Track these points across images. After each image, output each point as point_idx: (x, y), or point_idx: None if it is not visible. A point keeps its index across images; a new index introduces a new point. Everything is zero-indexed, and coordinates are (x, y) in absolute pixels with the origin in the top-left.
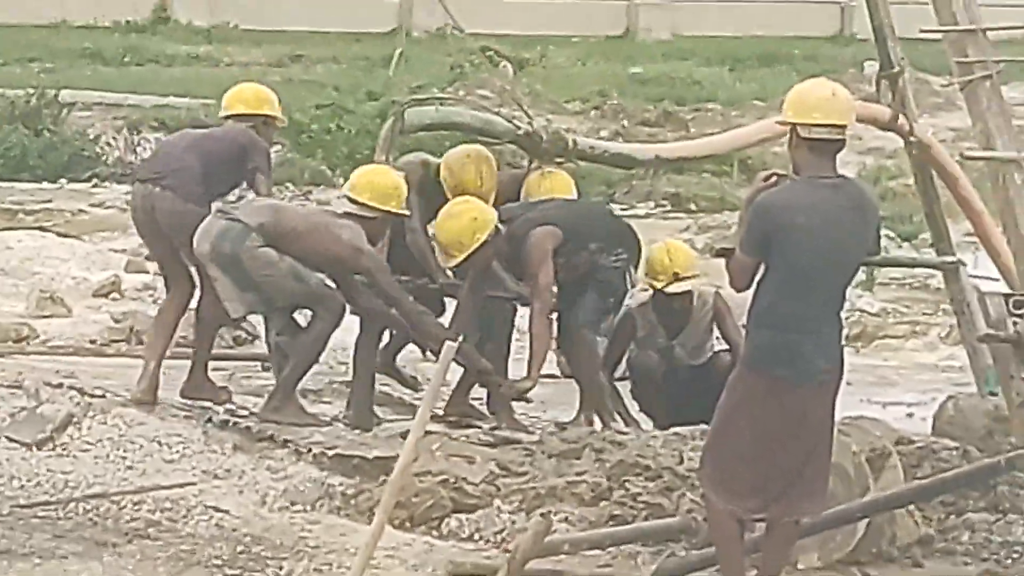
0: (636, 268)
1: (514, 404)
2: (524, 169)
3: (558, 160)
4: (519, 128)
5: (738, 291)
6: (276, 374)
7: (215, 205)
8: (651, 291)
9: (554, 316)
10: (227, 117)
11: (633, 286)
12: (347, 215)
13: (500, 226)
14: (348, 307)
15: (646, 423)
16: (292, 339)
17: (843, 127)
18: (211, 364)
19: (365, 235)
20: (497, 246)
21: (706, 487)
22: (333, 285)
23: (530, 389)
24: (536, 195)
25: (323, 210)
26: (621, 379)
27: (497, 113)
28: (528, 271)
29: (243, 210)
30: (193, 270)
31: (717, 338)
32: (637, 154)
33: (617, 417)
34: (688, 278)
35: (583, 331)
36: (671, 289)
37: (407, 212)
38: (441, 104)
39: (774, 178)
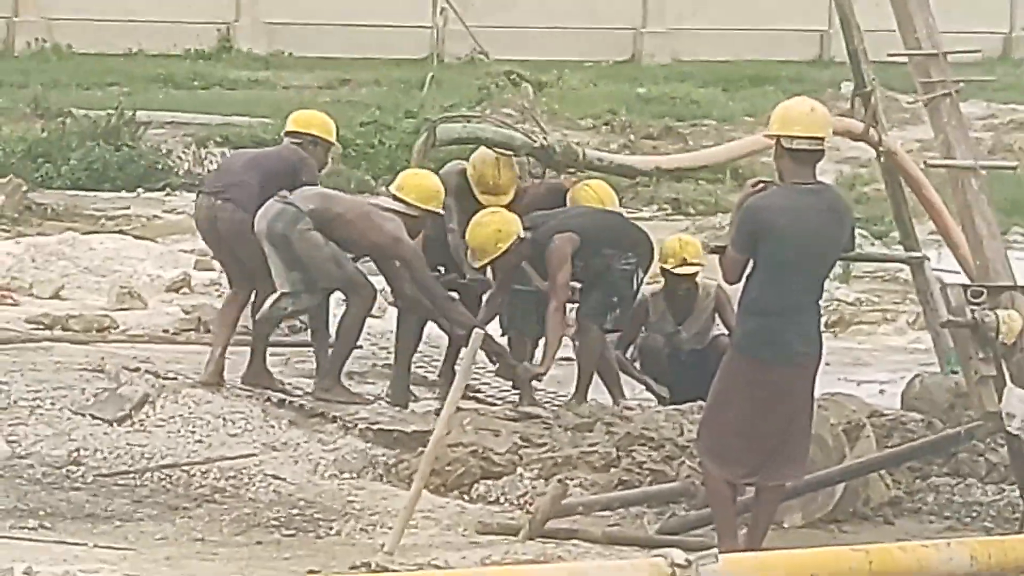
0: (647, 271)
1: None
2: (562, 181)
3: (569, 170)
4: (535, 141)
5: (730, 284)
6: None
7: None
8: (662, 281)
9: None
10: (286, 134)
11: (638, 286)
12: (392, 211)
13: (527, 233)
14: (389, 296)
15: (652, 400)
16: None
17: (821, 139)
18: (269, 350)
19: (409, 231)
20: (522, 252)
21: (702, 456)
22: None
23: (543, 374)
24: (584, 202)
25: (370, 202)
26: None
27: (517, 129)
28: (548, 271)
29: (297, 196)
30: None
31: (717, 325)
32: (639, 165)
33: (633, 388)
34: (695, 264)
35: (586, 322)
36: (678, 270)
37: (443, 212)
38: (467, 121)
39: (761, 184)
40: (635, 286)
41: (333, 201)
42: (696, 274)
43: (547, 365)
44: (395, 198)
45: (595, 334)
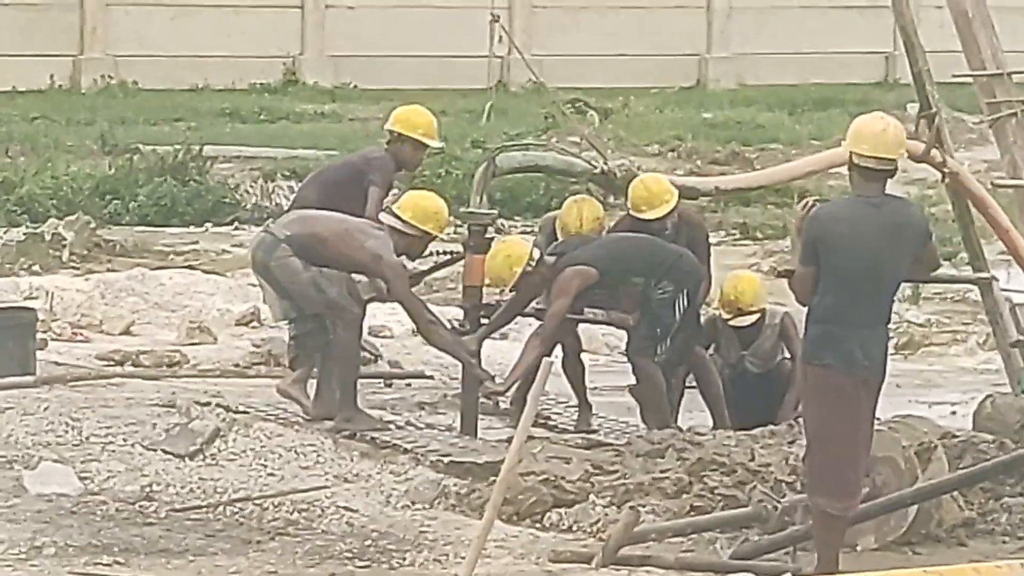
0: (692, 293)
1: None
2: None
3: None
4: (595, 168)
5: (803, 304)
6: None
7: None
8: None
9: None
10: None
11: (684, 312)
12: (391, 229)
13: (551, 259)
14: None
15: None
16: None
17: (889, 159)
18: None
19: (405, 249)
20: (545, 276)
21: (809, 492)
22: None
23: (501, 393)
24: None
25: (362, 221)
26: (690, 387)
27: (577, 156)
28: (549, 299)
29: (278, 224)
30: None
31: (782, 351)
32: (699, 185)
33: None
34: (750, 314)
35: (636, 359)
36: (732, 322)
37: (439, 233)
38: (527, 149)
39: (812, 204)
40: (678, 313)
41: (311, 223)
42: (753, 324)
43: (506, 386)
44: (393, 215)
45: (648, 369)
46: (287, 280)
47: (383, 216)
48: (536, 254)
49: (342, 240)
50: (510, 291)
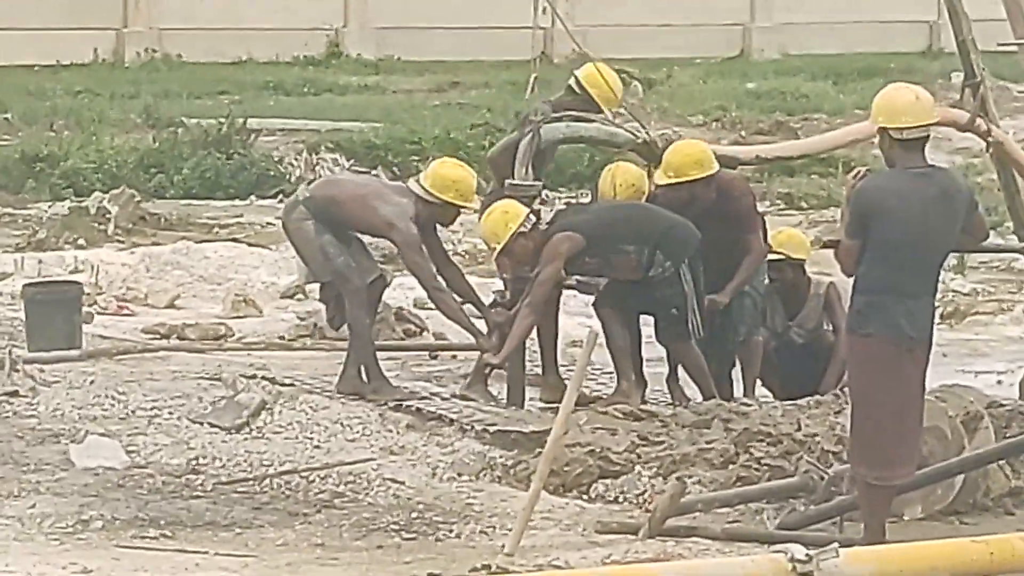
0: (693, 263)
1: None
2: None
3: None
4: (638, 138)
5: (848, 275)
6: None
7: None
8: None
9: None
10: None
11: (691, 281)
12: (417, 197)
13: (545, 225)
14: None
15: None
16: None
17: (929, 126)
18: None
19: (431, 217)
20: (536, 242)
21: (852, 462)
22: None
23: (496, 366)
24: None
25: (386, 187)
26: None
27: (619, 126)
28: (538, 266)
29: (304, 186)
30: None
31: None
32: (740, 154)
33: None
34: (786, 255)
35: (674, 347)
36: (771, 256)
37: (463, 204)
38: (571, 120)
39: (861, 173)
40: (686, 287)
41: (332, 186)
42: (781, 262)
43: (501, 358)
44: (418, 183)
45: (682, 351)
46: (300, 244)
47: (411, 183)
48: (532, 219)
49: (358, 204)
50: (501, 251)
